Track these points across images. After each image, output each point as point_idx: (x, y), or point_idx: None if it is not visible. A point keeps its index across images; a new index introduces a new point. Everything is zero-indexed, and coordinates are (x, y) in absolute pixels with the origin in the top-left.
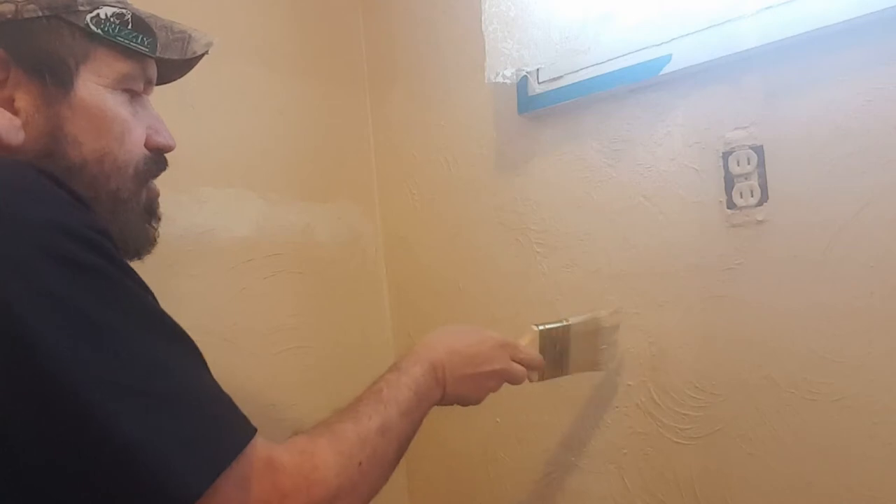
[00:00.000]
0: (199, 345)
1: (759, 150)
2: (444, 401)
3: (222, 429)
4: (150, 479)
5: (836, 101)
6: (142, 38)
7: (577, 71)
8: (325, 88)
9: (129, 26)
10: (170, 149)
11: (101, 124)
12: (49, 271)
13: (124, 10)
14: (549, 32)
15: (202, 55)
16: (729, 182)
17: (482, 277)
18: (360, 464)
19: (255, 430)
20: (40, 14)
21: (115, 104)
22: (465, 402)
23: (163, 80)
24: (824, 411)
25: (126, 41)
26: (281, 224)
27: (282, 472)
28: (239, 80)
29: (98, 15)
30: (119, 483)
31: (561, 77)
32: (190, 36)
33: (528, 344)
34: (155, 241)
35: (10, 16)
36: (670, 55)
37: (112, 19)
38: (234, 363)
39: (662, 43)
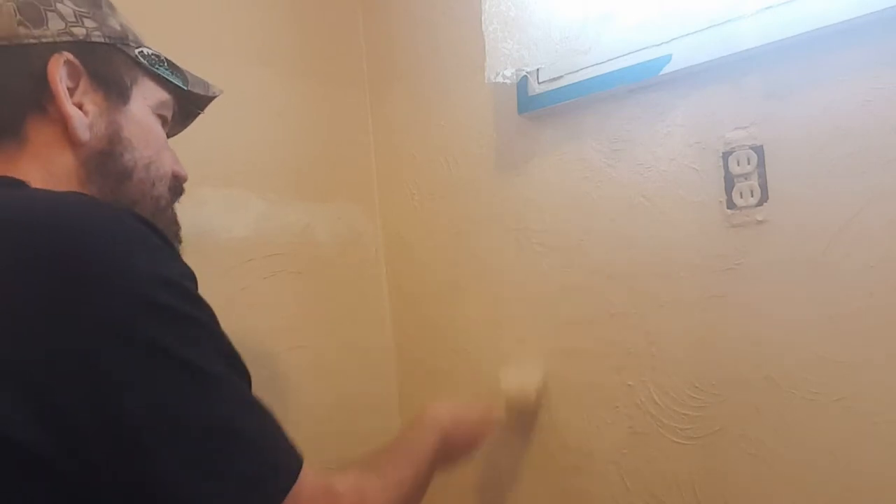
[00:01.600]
0: None
1: (759, 150)
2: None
3: (279, 464)
4: None
5: (836, 101)
6: (175, 74)
7: (577, 71)
8: (324, 89)
9: (165, 65)
10: (186, 179)
11: (149, 136)
12: (150, 322)
13: (160, 53)
14: (549, 32)
15: (212, 98)
16: (729, 182)
17: (482, 277)
18: None
19: (302, 461)
20: (103, 40)
21: (156, 123)
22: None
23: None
24: (824, 411)
25: (165, 74)
26: (281, 224)
27: (340, 499)
28: (239, 81)
29: (143, 51)
30: None
31: (561, 77)
32: (205, 80)
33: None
34: None
35: (81, 37)
36: (670, 55)
37: (153, 56)
38: None
39: (662, 43)
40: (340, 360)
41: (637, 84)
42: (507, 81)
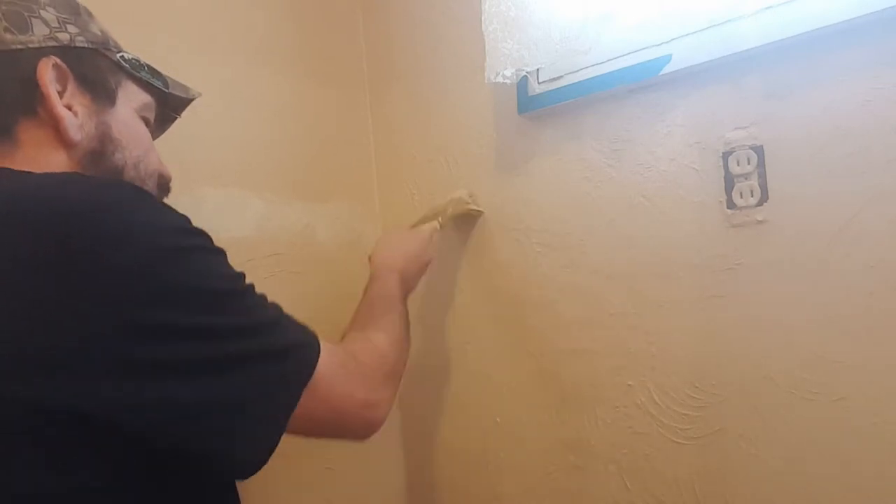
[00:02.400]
0: None
1: (759, 150)
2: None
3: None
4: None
5: (836, 101)
6: (156, 78)
7: (577, 71)
8: (324, 88)
9: (146, 69)
10: (170, 179)
11: (136, 137)
12: (178, 264)
13: (139, 58)
14: (549, 32)
15: (189, 101)
16: (729, 182)
17: (482, 277)
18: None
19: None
20: (87, 45)
21: (141, 124)
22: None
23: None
24: (824, 411)
25: (147, 77)
26: (280, 224)
27: (356, 355)
28: (238, 80)
29: (123, 55)
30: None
31: (561, 77)
32: (186, 85)
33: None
34: None
35: (65, 42)
36: (670, 55)
37: (133, 60)
38: None
39: (662, 43)
40: None
41: (637, 84)
42: (507, 81)
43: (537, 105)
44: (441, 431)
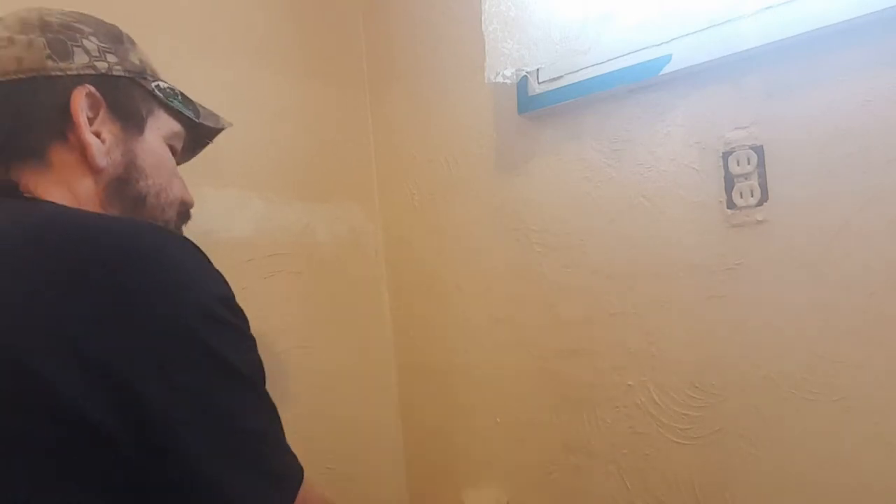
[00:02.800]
0: None
1: (759, 150)
2: None
3: (295, 465)
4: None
5: (836, 101)
6: (187, 107)
7: (577, 71)
8: (324, 88)
9: (179, 98)
10: (192, 205)
11: (161, 165)
12: (210, 330)
13: (174, 87)
14: (549, 32)
15: (219, 131)
16: (729, 182)
17: (482, 277)
18: None
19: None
20: (123, 74)
21: (167, 152)
22: None
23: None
24: (824, 411)
25: (179, 106)
26: (281, 224)
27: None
28: (239, 81)
29: (159, 84)
30: None
31: (561, 77)
32: (216, 114)
33: None
34: None
35: (103, 70)
36: (670, 55)
37: (168, 90)
38: None
39: (662, 43)
40: (340, 359)
41: (637, 84)
42: (507, 81)
43: (537, 105)
44: (441, 431)
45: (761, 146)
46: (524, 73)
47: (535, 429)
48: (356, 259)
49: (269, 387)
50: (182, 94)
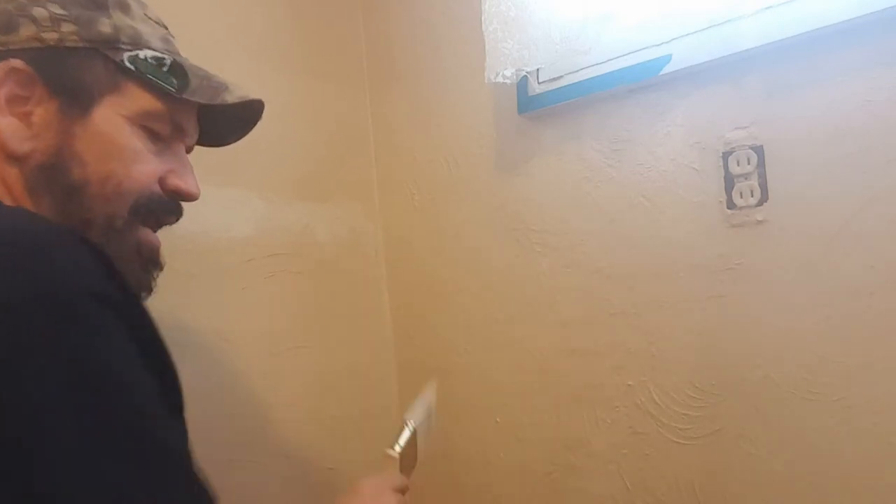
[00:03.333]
0: (199, 345)
1: (759, 150)
2: None
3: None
4: None
5: (836, 101)
6: (172, 80)
7: (577, 71)
8: (324, 88)
9: (165, 69)
10: (190, 196)
11: (111, 149)
12: (71, 333)
13: (165, 56)
14: (549, 32)
15: (250, 120)
16: (729, 182)
17: (482, 277)
18: None
19: None
20: (80, 45)
21: (131, 135)
22: None
23: (219, 140)
24: (824, 411)
25: (153, 78)
26: (280, 224)
27: None
28: (238, 80)
29: (137, 55)
30: None
31: (561, 77)
32: (226, 86)
33: (393, 471)
34: (151, 288)
35: (52, 43)
36: (670, 55)
37: (149, 60)
38: (234, 363)
39: (662, 43)
40: (340, 360)
41: (637, 84)
42: (507, 81)
43: (537, 105)
44: (441, 431)
45: (761, 146)
46: (524, 73)
47: (535, 429)
48: (356, 259)
49: (267, 386)
50: (173, 63)
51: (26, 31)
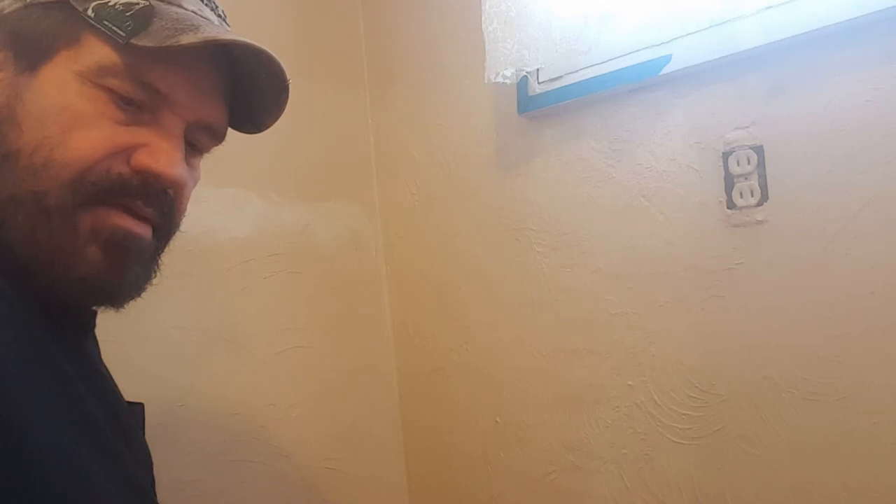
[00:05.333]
0: (199, 345)
1: (759, 150)
2: None
3: None
4: None
5: (836, 101)
6: (126, 25)
7: (577, 71)
8: (325, 88)
9: (129, 14)
10: (162, 177)
11: (48, 111)
12: None
13: (143, 3)
14: (549, 32)
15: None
16: (729, 182)
17: (482, 277)
18: None
19: None
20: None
21: (79, 95)
22: None
23: (256, 122)
24: (824, 411)
25: (108, 24)
26: (281, 224)
27: None
28: None
29: (107, 3)
30: None
31: (561, 77)
32: (196, 28)
33: None
34: (127, 282)
35: (19, 4)
36: (670, 55)
37: (117, 6)
38: (234, 363)
39: (662, 43)
40: (340, 359)
41: (637, 84)
42: (507, 81)
43: (537, 105)
44: (441, 431)
45: (761, 146)
46: (524, 73)
47: (535, 429)
48: (356, 259)
49: (267, 386)
50: (144, 9)
51: None
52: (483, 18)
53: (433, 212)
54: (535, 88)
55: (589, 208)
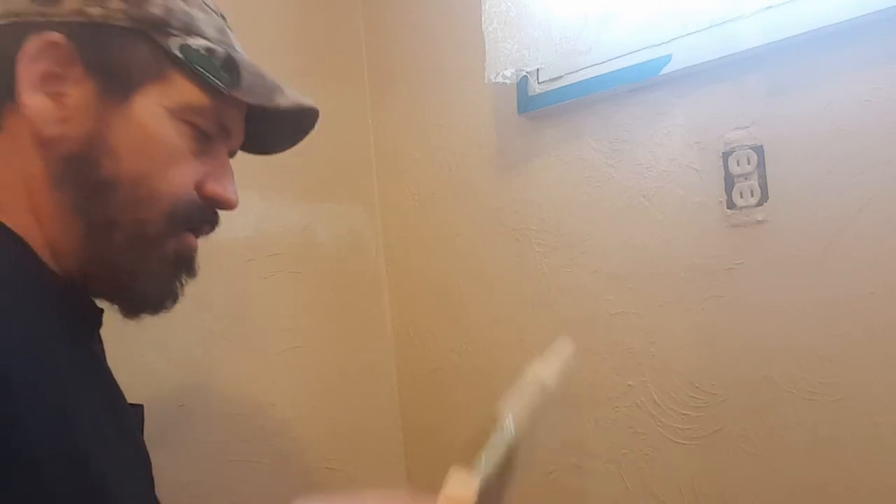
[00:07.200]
0: (199, 345)
1: (759, 150)
2: None
3: None
4: None
5: (836, 101)
6: (222, 75)
7: (577, 71)
8: (324, 88)
9: (216, 61)
10: (228, 204)
11: (148, 145)
12: None
13: (218, 48)
14: (549, 32)
15: (304, 127)
16: (729, 182)
17: (482, 277)
18: None
19: None
20: (126, 25)
21: (172, 131)
22: None
23: (265, 147)
24: (824, 411)
25: (202, 70)
26: (281, 224)
27: None
28: None
29: (188, 43)
30: None
31: (561, 77)
32: (280, 88)
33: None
34: (177, 297)
35: (96, 19)
36: (670, 55)
37: (201, 51)
38: (235, 363)
39: (662, 43)
40: (340, 359)
41: (637, 84)
42: (507, 81)
43: (537, 105)
44: (441, 431)
45: (761, 146)
46: (524, 73)
47: (535, 429)
48: (356, 259)
49: (267, 387)
50: (226, 57)
51: (70, 3)
52: (483, 18)
53: (433, 212)
54: (535, 88)
55: (589, 208)
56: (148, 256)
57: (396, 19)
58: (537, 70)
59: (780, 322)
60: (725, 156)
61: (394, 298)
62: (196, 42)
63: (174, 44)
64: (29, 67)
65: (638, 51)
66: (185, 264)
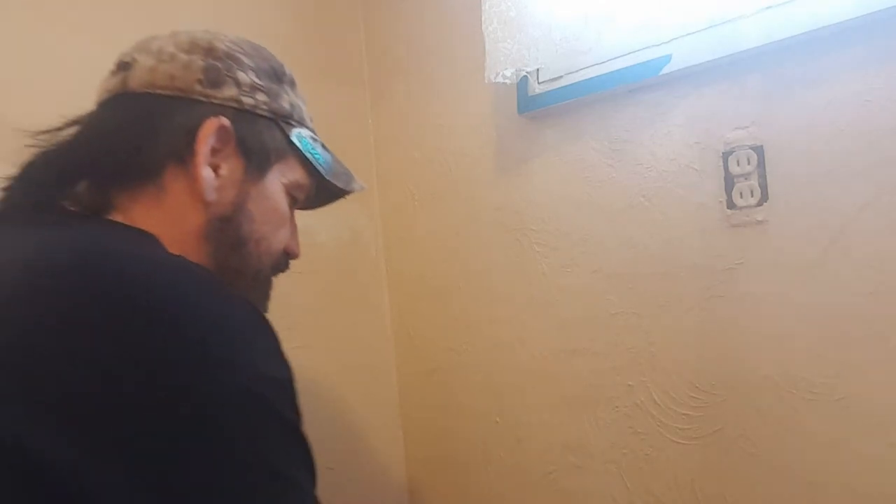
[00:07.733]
0: None
1: (759, 150)
2: None
3: None
4: None
5: (836, 101)
6: (321, 161)
7: (577, 71)
8: (325, 88)
9: (318, 152)
10: (295, 257)
11: (271, 213)
12: (246, 413)
13: (318, 138)
14: (549, 32)
15: (345, 193)
16: (729, 182)
17: (482, 277)
18: None
19: None
20: (266, 115)
21: (284, 202)
22: None
23: (309, 205)
24: (824, 411)
25: (313, 156)
26: None
27: None
28: None
29: (301, 133)
30: None
31: (561, 77)
32: (351, 175)
33: None
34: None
35: (248, 107)
36: (670, 55)
37: (309, 140)
38: None
39: (662, 43)
40: (340, 360)
41: (637, 84)
42: (507, 81)
43: (537, 105)
44: (441, 431)
45: (761, 146)
46: (524, 73)
47: (535, 429)
48: (356, 259)
49: None
50: (323, 146)
51: (229, 91)
52: (483, 18)
53: (433, 212)
54: (535, 88)
55: (589, 208)
56: (258, 296)
57: (396, 19)
58: (537, 70)
59: (780, 322)
60: (725, 156)
61: (393, 298)
62: (305, 132)
63: (294, 133)
64: (206, 143)
65: (638, 51)
66: (268, 299)
